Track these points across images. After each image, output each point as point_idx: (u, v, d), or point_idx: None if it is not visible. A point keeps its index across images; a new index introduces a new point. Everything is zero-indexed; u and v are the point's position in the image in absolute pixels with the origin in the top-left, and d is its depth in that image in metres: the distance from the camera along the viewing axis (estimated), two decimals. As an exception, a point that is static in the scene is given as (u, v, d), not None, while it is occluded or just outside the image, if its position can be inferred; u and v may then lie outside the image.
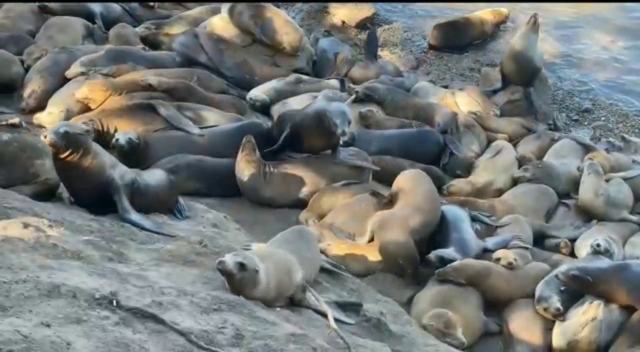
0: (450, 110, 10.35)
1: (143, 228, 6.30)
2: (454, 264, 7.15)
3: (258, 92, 10.26)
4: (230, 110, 9.56)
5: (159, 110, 8.89)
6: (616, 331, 6.81)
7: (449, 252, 7.40)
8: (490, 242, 7.83)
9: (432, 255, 7.38)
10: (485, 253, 7.65)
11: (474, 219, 8.16)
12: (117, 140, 8.16)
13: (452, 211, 7.98)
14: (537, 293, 7.08)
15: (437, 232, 7.78)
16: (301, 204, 8.31)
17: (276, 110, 10.01)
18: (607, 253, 7.69)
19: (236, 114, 9.52)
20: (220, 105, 9.58)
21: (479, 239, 7.82)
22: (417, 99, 10.68)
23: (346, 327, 5.27)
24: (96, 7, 11.49)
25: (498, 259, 7.36)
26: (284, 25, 11.05)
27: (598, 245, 7.74)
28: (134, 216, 6.45)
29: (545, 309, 6.93)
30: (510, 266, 7.29)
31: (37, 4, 11.20)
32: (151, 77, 9.44)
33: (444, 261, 7.28)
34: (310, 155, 8.71)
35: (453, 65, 12.59)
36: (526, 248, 7.79)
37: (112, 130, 8.57)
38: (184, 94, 9.46)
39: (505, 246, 7.70)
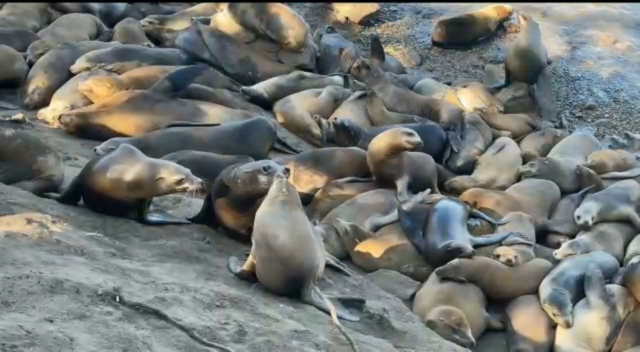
0: (456, 107, 10.33)
1: (165, 223, 6.35)
2: (453, 261, 7.13)
3: (256, 87, 10.22)
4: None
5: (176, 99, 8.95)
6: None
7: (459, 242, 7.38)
8: (482, 238, 7.80)
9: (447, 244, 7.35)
10: (478, 248, 7.60)
11: (475, 216, 8.15)
12: (94, 150, 7.89)
13: (445, 205, 7.96)
14: (545, 291, 7.03)
15: (426, 226, 7.74)
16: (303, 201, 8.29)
17: (278, 108, 10.01)
18: (586, 224, 8.00)
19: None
20: (228, 102, 9.57)
21: (470, 234, 7.77)
22: (421, 97, 10.68)
23: (349, 323, 5.28)
24: (95, 5, 11.46)
25: (498, 256, 7.35)
26: (290, 19, 11.01)
27: (578, 217, 8.08)
28: (154, 217, 6.42)
29: (555, 315, 6.88)
30: (509, 263, 7.27)
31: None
32: None
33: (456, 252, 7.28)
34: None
35: (457, 62, 12.58)
36: (528, 245, 7.78)
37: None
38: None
39: (499, 242, 7.68)
